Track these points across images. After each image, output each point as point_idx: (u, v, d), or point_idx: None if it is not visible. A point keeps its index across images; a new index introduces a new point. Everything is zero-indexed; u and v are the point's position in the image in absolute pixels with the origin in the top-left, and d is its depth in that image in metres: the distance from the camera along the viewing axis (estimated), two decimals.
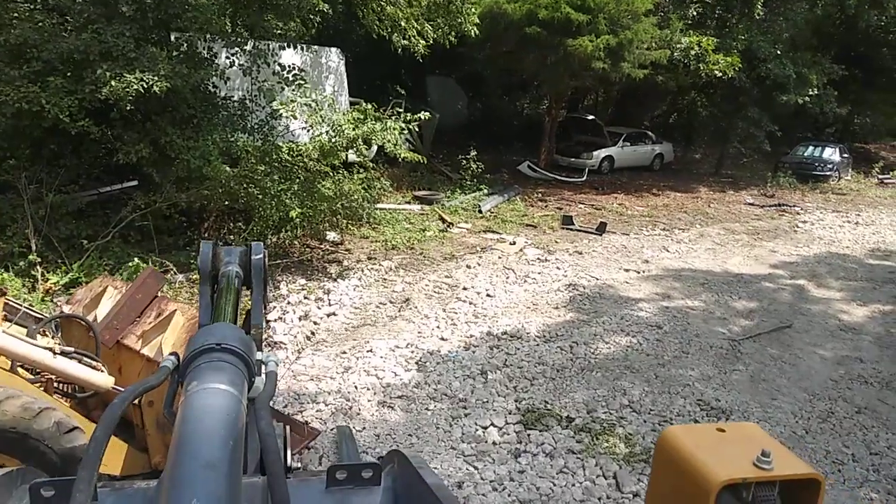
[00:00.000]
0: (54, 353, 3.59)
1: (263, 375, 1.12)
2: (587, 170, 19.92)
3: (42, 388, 3.67)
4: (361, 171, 10.59)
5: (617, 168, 21.28)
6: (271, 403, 1.22)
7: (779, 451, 1.06)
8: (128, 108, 8.00)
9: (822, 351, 7.56)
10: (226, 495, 0.75)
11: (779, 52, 20.20)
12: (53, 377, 3.76)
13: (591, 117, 22.78)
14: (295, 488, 1.05)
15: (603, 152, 20.92)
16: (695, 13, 20.16)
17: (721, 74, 18.54)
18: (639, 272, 10.44)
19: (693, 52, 18.33)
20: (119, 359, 4.03)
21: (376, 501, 1.08)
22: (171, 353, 1.14)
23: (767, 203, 18.22)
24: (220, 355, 1.02)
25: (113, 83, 7.73)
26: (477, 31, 14.02)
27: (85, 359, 3.75)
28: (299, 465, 1.19)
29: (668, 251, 12.00)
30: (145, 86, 7.83)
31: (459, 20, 13.71)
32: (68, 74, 8.29)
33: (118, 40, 8.24)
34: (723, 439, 1.13)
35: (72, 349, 3.73)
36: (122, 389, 3.94)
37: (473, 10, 14.01)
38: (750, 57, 19.53)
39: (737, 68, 18.58)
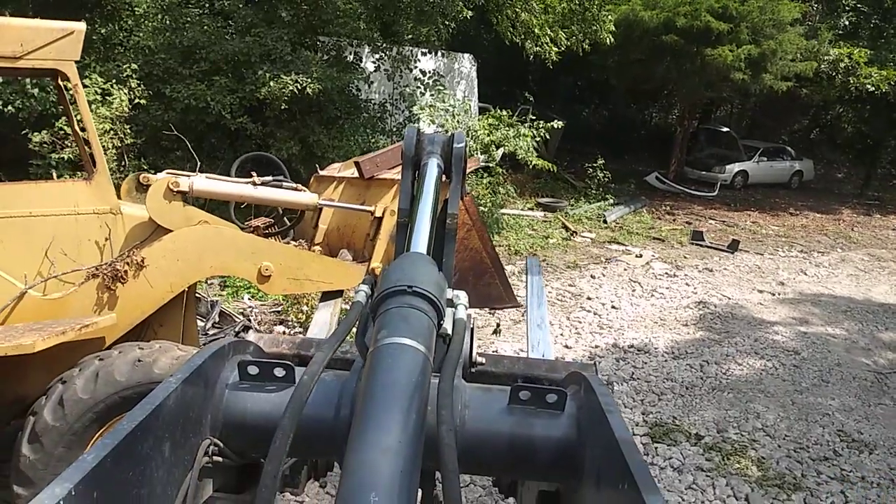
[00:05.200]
0: (255, 184, 4.00)
1: (451, 315, 1.13)
2: (719, 184, 19.17)
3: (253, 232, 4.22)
4: (487, 175, 10.79)
5: (751, 184, 20.34)
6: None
7: None
8: (282, 107, 8.61)
9: None
10: (405, 484, 0.75)
11: None
12: (260, 224, 4.27)
13: (725, 129, 21.89)
14: (476, 397, 1.10)
15: (737, 166, 20.07)
16: (847, 23, 18.94)
17: (873, 89, 17.32)
18: (773, 294, 9.97)
19: (842, 65, 17.24)
20: (369, 191, 4.46)
21: (560, 429, 1.06)
22: (363, 283, 1.20)
23: None
24: (411, 300, 1.03)
25: (271, 84, 8.36)
26: (611, 39, 13.88)
27: (285, 184, 4.13)
28: (483, 360, 1.17)
29: (805, 274, 11.37)
30: (299, 87, 8.41)
31: (595, 28, 13.66)
32: (230, 74, 9.04)
33: (277, 44, 8.90)
34: None
35: (270, 178, 4.12)
36: (329, 203, 4.43)
37: (609, 17, 13.89)
38: None
39: (892, 83, 17.28)
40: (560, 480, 1.13)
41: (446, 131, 9.94)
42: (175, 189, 3.76)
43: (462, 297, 1.17)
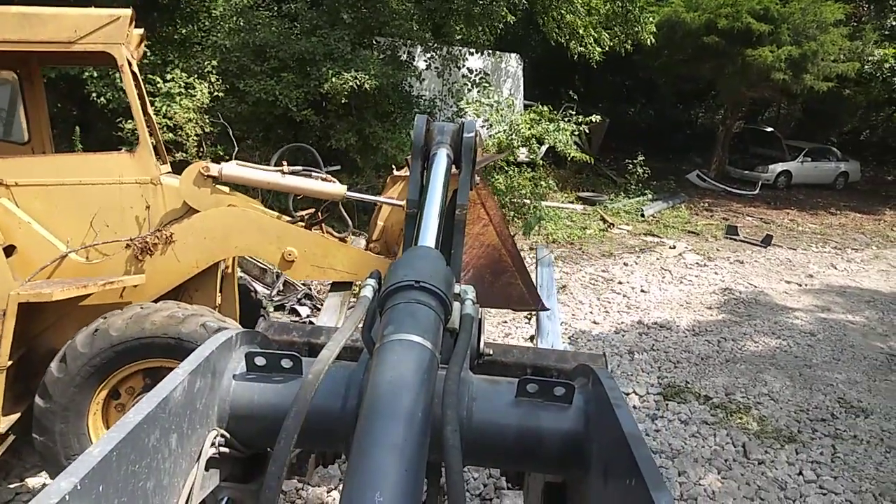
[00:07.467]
0: (283, 173, 4.10)
1: (458, 310, 1.12)
2: (760, 183, 19.44)
3: (302, 226, 4.34)
4: (530, 170, 11.51)
5: (795, 184, 20.52)
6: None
7: None
8: (342, 101, 9.51)
9: None
10: (409, 483, 0.75)
11: None
12: (305, 214, 4.44)
13: (769, 129, 22.07)
14: (483, 389, 1.09)
15: (780, 166, 20.28)
16: (894, 23, 18.96)
17: None
18: (800, 285, 10.44)
19: (887, 65, 17.34)
20: None
21: (567, 422, 1.05)
22: (370, 276, 1.19)
23: None
24: (418, 295, 1.03)
25: (333, 80, 9.25)
26: (653, 40, 14.41)
27: (314, 173, 4.21)
28: (490, 351, 1.37)
29: (835, 268, 11.76)
30: (358, 83, 9.28)
31: (637, 29, 14.22)
32: (297, 71, 9.98)
33: (339, 44, 9.81)
34: None
35: (300, 168, 4.21)
36: (355, 196, 4.32)
37: (651, 18, 14.44)
38: None
39: None
40: (566, 473, 1.14)
41: (490, 125, 10.76)
42: (206, 174, 4.00)
43: (469, 291, 1.17)
